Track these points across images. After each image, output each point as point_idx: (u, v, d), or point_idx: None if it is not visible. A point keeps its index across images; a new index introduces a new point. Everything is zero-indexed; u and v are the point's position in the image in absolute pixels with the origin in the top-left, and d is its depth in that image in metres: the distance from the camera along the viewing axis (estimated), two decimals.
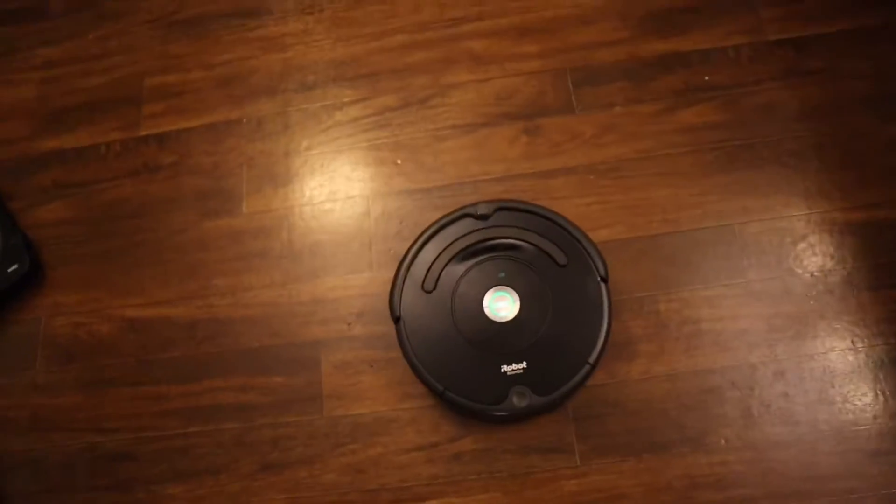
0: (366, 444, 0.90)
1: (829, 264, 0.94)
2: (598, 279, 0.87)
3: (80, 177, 1.10)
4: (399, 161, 1.05)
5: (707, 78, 1.05)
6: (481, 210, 0.91)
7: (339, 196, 1.03)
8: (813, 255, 0.95)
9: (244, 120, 1.10)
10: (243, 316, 0.97)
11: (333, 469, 0.89)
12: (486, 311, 0.87)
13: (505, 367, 0.84)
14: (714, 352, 0.91)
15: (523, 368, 0.84)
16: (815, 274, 0.94)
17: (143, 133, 1.11)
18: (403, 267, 0.89)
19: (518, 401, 0.83)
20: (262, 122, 1.10)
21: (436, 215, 0.93)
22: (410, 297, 0.88)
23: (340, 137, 1.07)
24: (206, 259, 1.01)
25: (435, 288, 0.88)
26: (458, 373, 0.85)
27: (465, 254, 0.90)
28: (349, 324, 0.95)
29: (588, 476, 0.87)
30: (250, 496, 0.90)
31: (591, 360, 0.84)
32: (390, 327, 0.92)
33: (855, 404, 0.87)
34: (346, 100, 1.10)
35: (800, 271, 0.94)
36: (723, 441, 0.87)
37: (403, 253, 0.90)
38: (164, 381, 0.96)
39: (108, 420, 0.96)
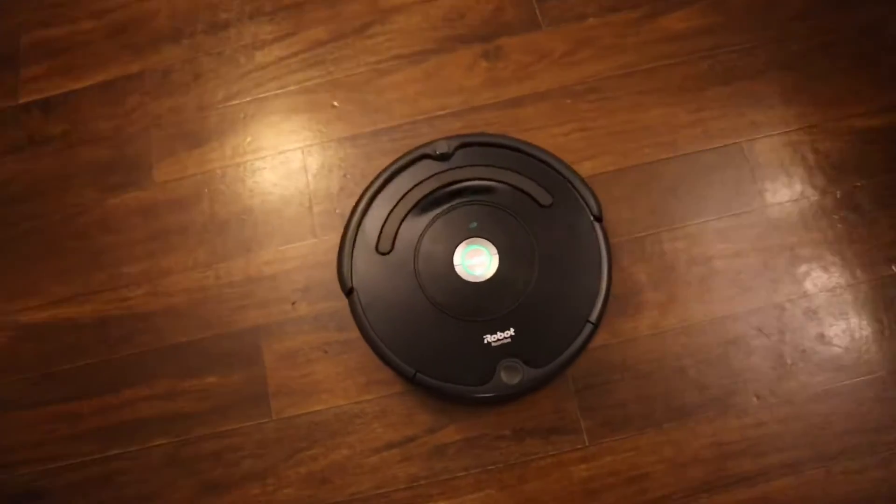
0: (327, 448, 0.73)
1: (855, 179, 0.80)
2: (591, 219, 0.72)
3: None
4: (336, 103, 0.86)
5: None
6: (440, 148, 0.74)
7: (268, 152, 0.85)
8: (835, 171, 0.80)
9: (146, 73, 0.91)
10: (164, 307, 0.79)
11: (291, 482, 0.73)
12: (458, 270, 0.71)
13: (488, 338, 0.68)
14: (733, 294, 0.76)
15: (510, 337, 0.68)
16: (840, 192, 0.79)
17: (24, 100, 0.91)
18: (351, 227, 0.72)
19: (508, 377, 0.67)
20: (168, 74, 0.90)
21: (385, 161, 0.76)
22: (364, 263, 0.71)
23: (264, 83, 0.88)
24: (112, 243, 0.82)
25: (392, 249, 0.72)
26: (431, 350, 0.69)
27: (426, 203, 0.73)
28: (293, 303, 0.78)
29: (599, 457, 0.72)
30: None
31: (592, 317, 0.69)
32: (344, 302, 0.76)
33: None
34: (266, 37, 0.91)
35: (822, 190, 0.79)
36: (754, 399, 0.73)
37: (350, 210, 0.73)
38: (73, 398, 0.78)
39: (9, 452, 0.77)
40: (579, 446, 0.72)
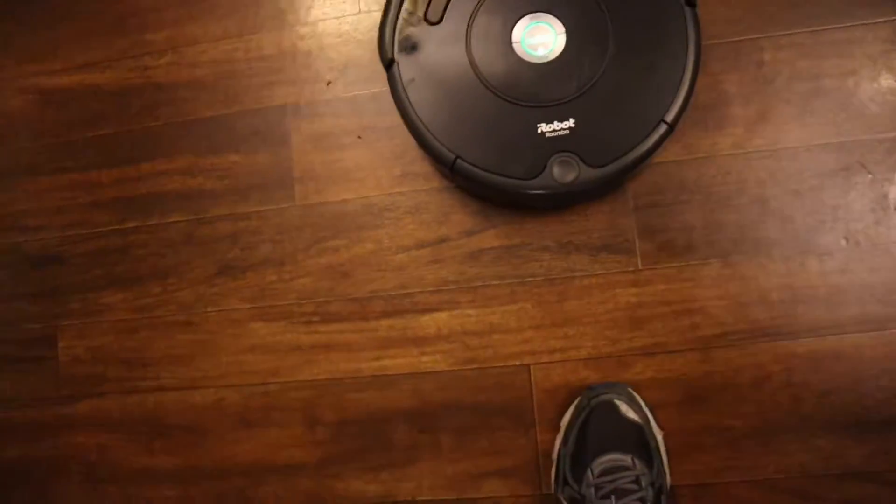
0: (351, 240, 0.67)
1: None
2: (682, 1, 0.59)
3: None
4: None
5: None
6: None
7: None
8: None
9: None
10: (189, 79, 0.72)
11: (310, 271, 0.68)
12: (517, 48, 0.60)
13: (543, 127, 0.59)
14: (839, 119, 0.64)
15: (569, 129, 0.59)
16: None
17: None
18: None
19: (561, 174, 0.58)
20: None
21: None
22: (409, 33, 0.62)
23: None
24: (136, 7, 0.75)
25: (442, 18, 0.62)
26: (476, 135, 0.60)
27: None
28: (329, 82, 0.69)
29: (652, 283, 0.64)
30: (206, 305, 0.70)
31: (668, 118, 0.58)
32: (383, 85, 0.67)
33: None
34: None
35: None
36: (843, 241, 0.62)
37: None
38: (93, 166, 0.74)
39: (28, 216, 0.75)
40: (631, 269, 0.64)
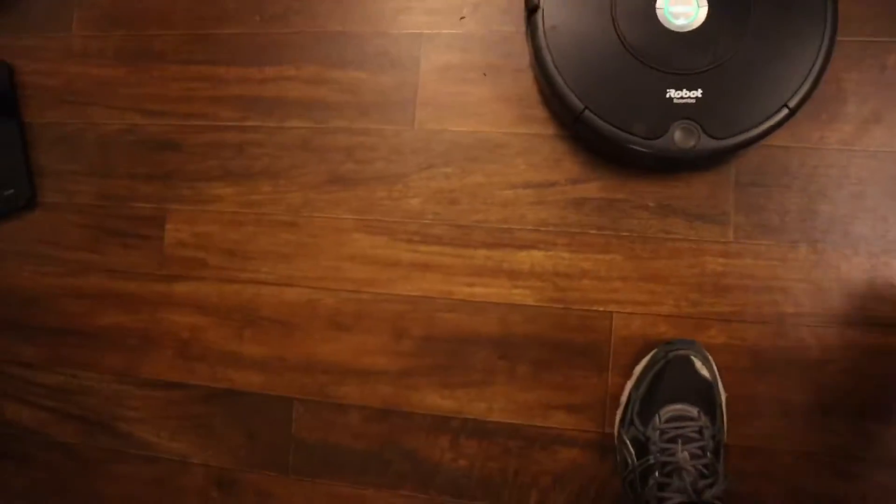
0: (463, 170, 0.71)
1: None
2: None
3: None
4: None
5: None
6: None
7: None
8: None
9: None
10: None
11: (419, 193, 0.71)
12: (660, 13, 0.63)
13: (672, 93, 0.62)
14: None
15: (696, 98, 0.61)
16: None
17: None
18: None
19: (682, 139, 0.61)
20: None
21: None
22: None
23: None
24: None
25: None
26: (606, 91, 0.63)
27: None
28: (462, 17, 0.72)
29: (740, 257, 0.67)
30: (313, 211, 0.73)
31: (792, 104, 0.61)
32: (516, 28, 0.70)
33: None
34: None
35: None
36: None
37: None
38: (220, 62, 0.77)
39: (153, 101, 0.78)
40: (723, 240, 0.67)
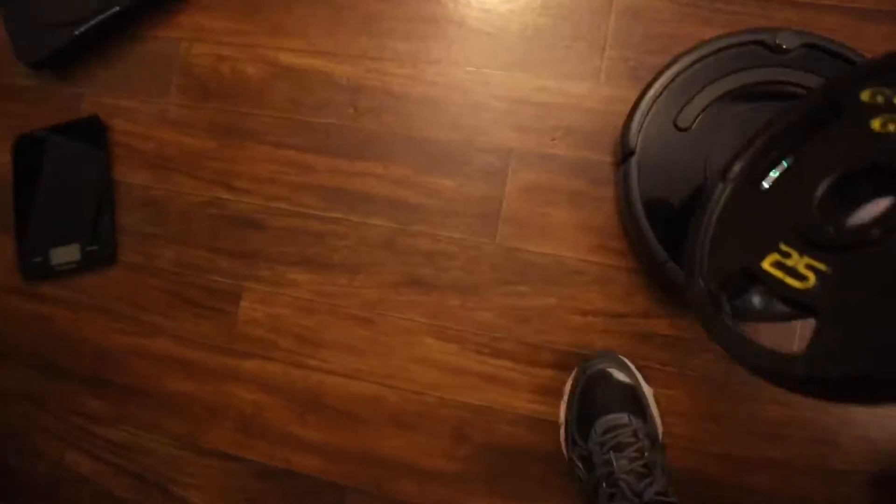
0: (538, 291, 0.73)
1: None
2: None
3: None
4: None
5: None
6: (781, 40, 0.66)
7: None
8: None
9: None
10: (422, 94, 0.77)
11: (492, 307, 0.74)
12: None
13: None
14: None
15: None
16: None
17: None
18: (654, 89, 0.66)
19: (763, 304, 0.63)
20: None
21: (702, 31, 0.68)
22: (654, 131, 0.66)
23: None
24: (388, 13, 0.79)
25: (691, 127, 0.66)
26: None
27: (747, 93, 0.65)
28: (554, 139, 0.74)
29: (799, 409, 0.69)
30: (388, 309, 0.76)
31: None
32: (605, 157, 0.72)
33: None
34: None
35: None
36: None
37: (657, 70, 0.67)
38: (311, 150, 0.79)
39: (240, 178, 0.81)
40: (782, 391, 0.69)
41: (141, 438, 0.82)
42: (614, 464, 0.62)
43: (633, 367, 0.70)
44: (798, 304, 0.40)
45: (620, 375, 0.68)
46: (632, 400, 0.67)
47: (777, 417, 0.69)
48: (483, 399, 0.73)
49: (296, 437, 0.77)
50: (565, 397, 0.70)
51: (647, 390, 0.69)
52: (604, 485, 0.62)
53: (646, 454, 0.63)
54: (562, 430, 0.70)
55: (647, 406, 0.68)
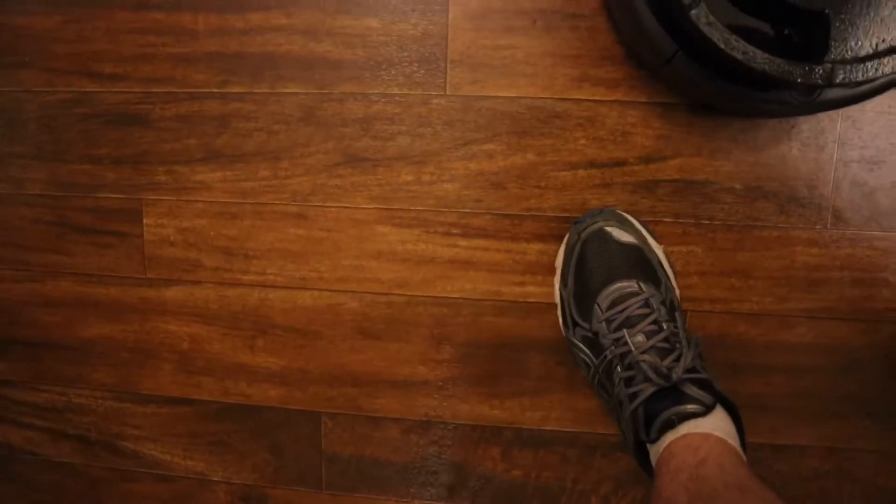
0: (510, 147, 0.57)
1: None
2: None
3: None
4: None
5: None
6: None
7: None
8: None
9: None
10: None
11: (455, 176, 0.58)
12: None
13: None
14: None
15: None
16: None
17: None
18: None
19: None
20: None
21: None
22: None
23: None
24: None
25: None
26: None
27: None
28: None
29: (836, 246, 0.57)
30: (325, 199, 0.60)
31: None
32: None
33: None
34: None
35: None
36: None
37: None
38: (186, 7, 0.59)
39: (103, 60, 0.61)
40: (818, 226, 0.57)
41: (69, 397, 0.69)
42: (629, 341, 0.50)
43: (637, 223, 0.56)
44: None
45: (623, 235, 0.54)
46: (639, 263, 0.54)
47: (812, 261, 0.58)
48: (460, 290, 0.60)
49: (248, 368, 0.65)
50: (558, 271, 0.57)
51: (658, 249, 0.56)
52: (618, 368, 0.51)
53: (664, 325, 0.51)
54: (559, 311, 0.58)
55: (659, 267, 0.55)
